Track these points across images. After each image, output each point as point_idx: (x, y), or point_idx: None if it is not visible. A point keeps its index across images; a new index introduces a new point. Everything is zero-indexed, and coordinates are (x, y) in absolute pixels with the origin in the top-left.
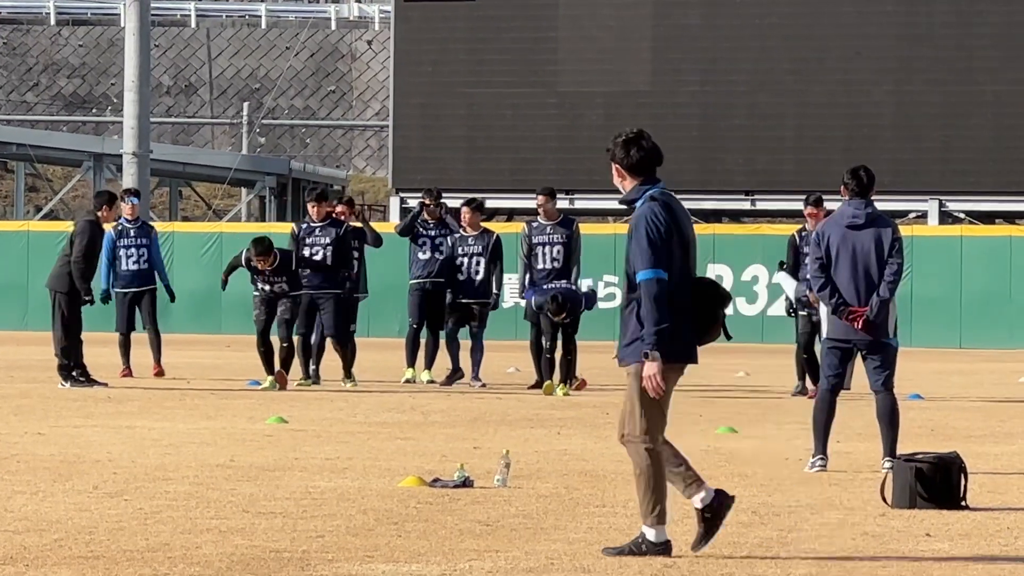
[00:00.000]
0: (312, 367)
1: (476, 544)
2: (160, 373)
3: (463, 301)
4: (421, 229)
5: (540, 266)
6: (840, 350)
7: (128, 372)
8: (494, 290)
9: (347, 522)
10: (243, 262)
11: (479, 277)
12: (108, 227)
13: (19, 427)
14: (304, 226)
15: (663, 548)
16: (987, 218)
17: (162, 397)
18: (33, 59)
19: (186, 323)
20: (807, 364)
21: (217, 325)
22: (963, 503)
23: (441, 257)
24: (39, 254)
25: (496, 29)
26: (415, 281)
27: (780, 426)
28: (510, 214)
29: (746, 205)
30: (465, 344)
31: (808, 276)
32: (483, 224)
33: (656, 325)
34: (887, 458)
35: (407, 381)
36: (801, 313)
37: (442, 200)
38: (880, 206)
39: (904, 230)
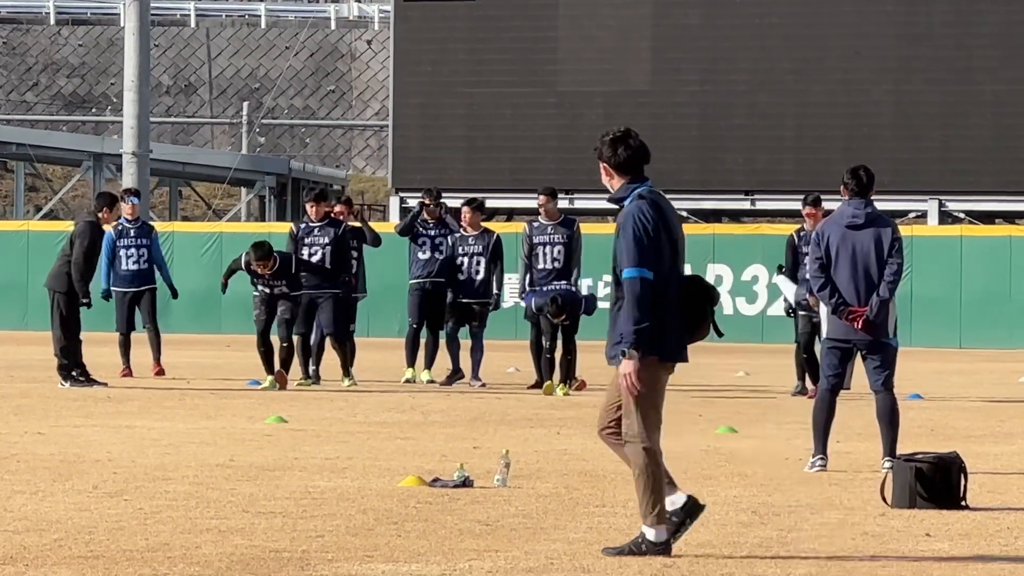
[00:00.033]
0: (312, 367)
1: (476, 544)
2: (160, 372)
3: (463, 301)
4: (421, 229)
5: (540, 266)
6: (840, 350)
7: (128, 372)
8: (495, 290)
9: (347, 522)
10: (243, 265)
11: (479, 277)
12: (108, 228)
13: (19, 427)
14: (303, 226)
15: (663, 548)
16: (987, 218)
17: (162, 397)
18: (33, 59)
19: (186, 323)
20: (807, 364)
21: (217, 325)
22: (963, 503)
23: (441, 257)
24: (39, 254)
25: (496, 29)
26: (415, 281)
27: (780, 426)
28: (510, 214)
29: (746, 205)
30: (465, 344)
31: (808, 276)
32: (483, 224)
33: (636, 324)
34: (887, 458)
35: (407, 381)
36: (801, 313)
37: (442, 200)
38: (880, 206)
39: (904, 230)
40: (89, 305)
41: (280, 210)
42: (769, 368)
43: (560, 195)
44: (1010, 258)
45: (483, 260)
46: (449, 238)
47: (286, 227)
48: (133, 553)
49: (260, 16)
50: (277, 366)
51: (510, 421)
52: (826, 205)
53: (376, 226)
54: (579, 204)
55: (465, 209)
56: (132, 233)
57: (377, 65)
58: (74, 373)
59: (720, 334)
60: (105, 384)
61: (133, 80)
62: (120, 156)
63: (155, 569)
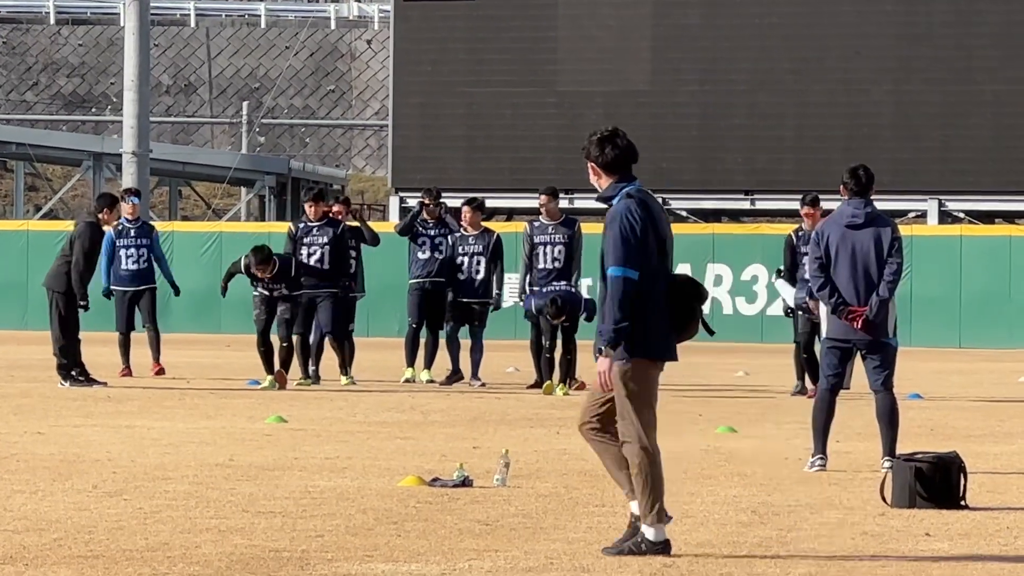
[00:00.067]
0: (311, 367)
1: (475, 543)
2: (160, 371)
3: (463, 301)
4: (420, 229)
5: (541, 266)
6: (840, 350)
7: (128, 371)
8: (495, 290)
9: (346, 521)
10: (242, 269)
11: (479, 277)
12: (108, 228)
13: (19, 426)
14: (301, 225)
15: (662, 547)
16: (986, 217)
17: (161, 396)
18: (33, 58)
19: (186, 322)
20: (807, 364)
21: (217, 325)
22: (962, 503)
23: (440, 257)
24: (39, 253)
25: (496, 29)
26: (415, 281)
27: (780, 426)
28: (509, 214)
29: (746, 205)
30: (465, 344)
31: (807, 276)
32: (484, 224)
33: (615, 323)
34: (887, 458)
35: (407, 381)
36: (800, 313)
37: (441, 200)
38: (879, 206)
39: (903, 230)
40: (86, 308)
41: (280, 210)
42: (769, 368)
43: (560, 195)
44: (1010, 258)
45: (483, 260)
46: (449, 238)
47: (286, 227)
48: (133, 553)
49: (260, 16)
50: (277, 366)
51: (510, 421)
52: (825, 205)
53: (376, 226)
54: (579, 204)
55: (465, 209)
56: (132, 233)
57: (377, 65)
58: (73, 373)
59: (711, 332)
60: (105, 384)
61: (133, 80)
62: (120, 156)
63: (155, 569)
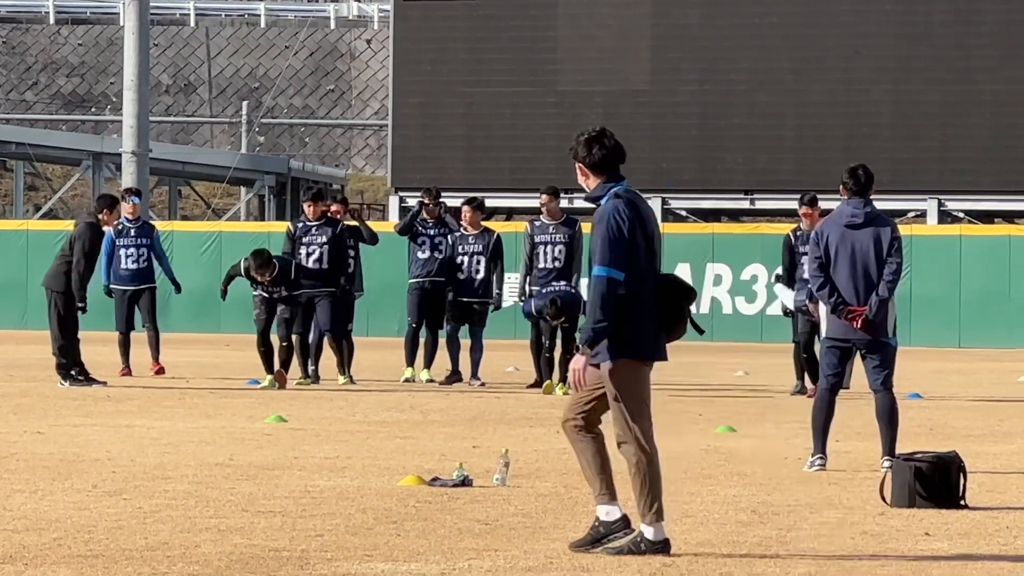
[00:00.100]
0: (311, 367)
1: (475, 543)
2: (160, 371)
3: (463, 300)
4: (420, 228)
5: (541, 265)
6: (839, 349)
7: (127, 371)
8: (495, 290)
9: (346, 521)
10: (242, 272)
11: (479, 276)
12: (108, 229)
13: (18, 426)
14: (300, 225)
15: (662, 546)
16: (986, 217)
17: (161, 396)
18: (32, 58)
19: (185, 322)
20: (807, 364)
21: (216, 324)
22: (962, 502)
23: (440, 256)
24: (38, 253)
25: (495, 28)
26: (414, 280)
27: (779, 425)
28: (509, 213)
29: (745, 204)
30: (465, 343)
31: (807, 276)
32: (483, 223)
33: (595, 323)
34: (886, 457)
35: (406, 380)
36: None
37: (441, 199)
38: (879, 205)
39: (903, 229)
40: (84, 310)
41: (279, 209)
42: (768, 367)
43: (561, 195)
44: (1009, 257)
45: (483, 259)
46: (449, 237)
47: (285, 226)
48: (132, 552)
49: (260, 15)
50: (277, 365)
51: (509, 420)
52: (825, 205)
53: (375, 225)
54: (578, 204)
55: (465, 208)
56: (132, 232)
57: (377, 64)
58: (73, 372)
59: (700, 331)
60: (104, 383)
61: (133, 79)
62: (120, 155)
63: (154, 568)
